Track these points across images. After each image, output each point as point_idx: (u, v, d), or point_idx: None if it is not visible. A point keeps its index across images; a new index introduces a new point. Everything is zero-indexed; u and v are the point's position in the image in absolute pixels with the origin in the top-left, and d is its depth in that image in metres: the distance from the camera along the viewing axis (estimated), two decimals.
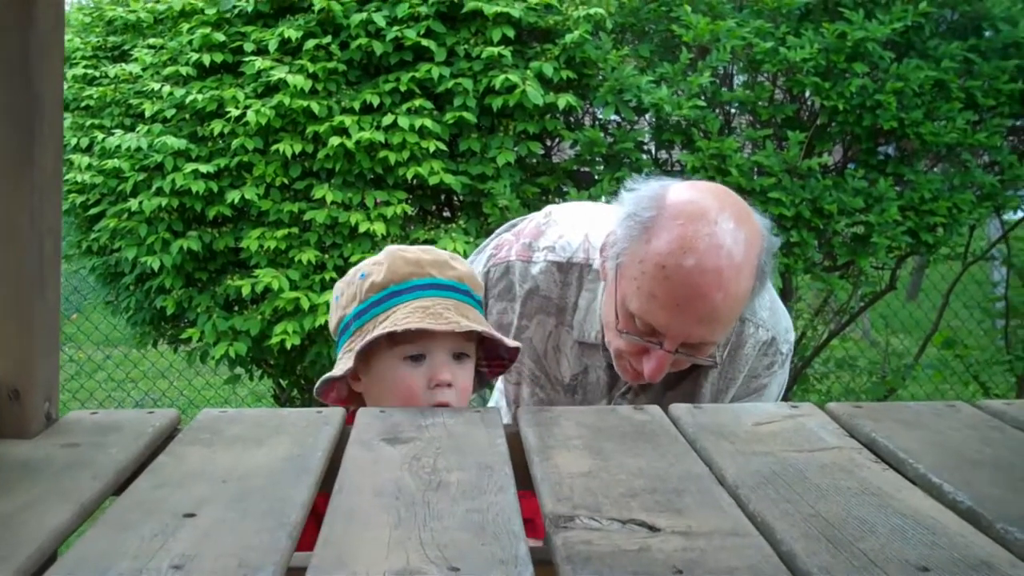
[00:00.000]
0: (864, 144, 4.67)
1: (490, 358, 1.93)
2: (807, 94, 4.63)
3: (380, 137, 4.29)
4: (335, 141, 4.28)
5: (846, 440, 1.48)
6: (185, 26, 4.72)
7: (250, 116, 4.35)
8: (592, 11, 4.50)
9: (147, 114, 4.59)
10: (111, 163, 4.53)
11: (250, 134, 4.41)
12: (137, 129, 4.61)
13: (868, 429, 1.50)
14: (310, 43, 4.43)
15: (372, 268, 1.85)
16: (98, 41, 5.22)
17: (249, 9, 4.60)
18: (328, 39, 4.47)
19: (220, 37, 4.58)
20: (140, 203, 4.43)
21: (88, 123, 4.83)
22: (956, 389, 6.70)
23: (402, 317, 1.75)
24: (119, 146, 4.51)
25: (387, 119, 4.33)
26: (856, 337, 6.87)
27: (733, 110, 4.83)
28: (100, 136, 4.67)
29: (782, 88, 4.72)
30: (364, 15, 4.41)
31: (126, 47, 5.09)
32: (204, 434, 1.50)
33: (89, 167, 4.61)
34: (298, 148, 4.38)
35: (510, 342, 1.85)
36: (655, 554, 1.08)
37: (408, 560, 1.05)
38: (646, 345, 1.85)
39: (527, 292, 2.09)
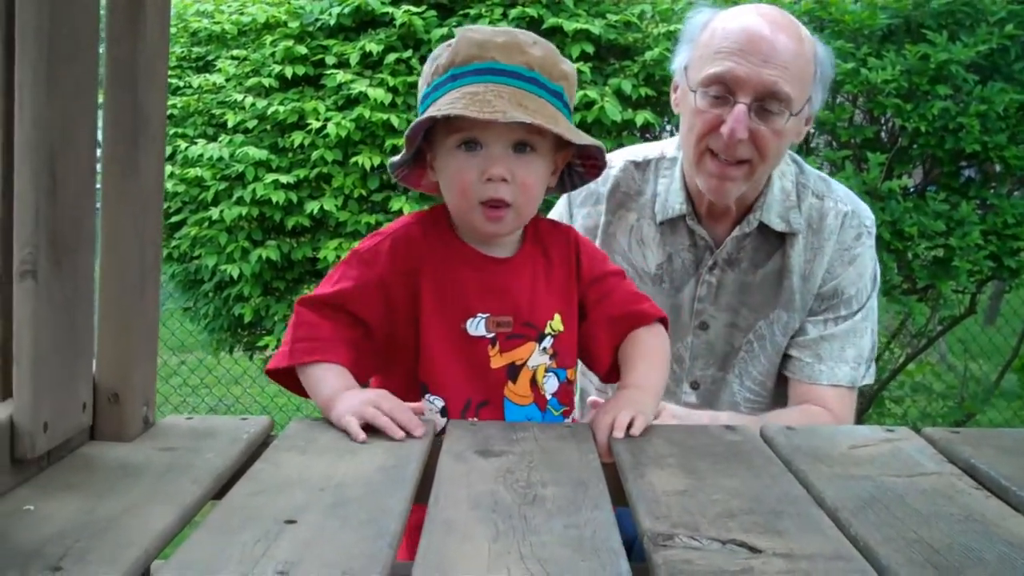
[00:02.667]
0: (946, 167, 4.59)
1: (584, 157, 1.78)
2: (888, 116, 4.57)
3: None
4: None
5: (945, 466, 1.46)
6: (268, 38, 4.78)
7: (330, 128, 4.40)
8: (672, 28, 4.50)
9: (229, 124, 4.67)
10: (193, 172, 4.61)
11: (330, 146, 4.46)
12: (219, 139, 4.69)
13: (967, 455, 1.48)
14: (391, 57, 4.48)
15: (443, 49, 1.70)
16: (182, 51, 5.31)
17: (331, 23, 4.65)
18: (408, 53, 4.52)
19: (302, 50, 4.64)
20: (221, 212, 4.50)
21: (172, 132, 4.91)
22: None
23: (447, 103, 1.59)
24: (201, 155, 4.59)
25: None
26: (933, 361, 6.76)
27: (812, 130, 4.77)
28: (183, 145, 4.75)
29: (862, 109, 4.67)
30: (444, 30, 4.44)
31: (210, 58, 5.18)
32: (298, 442, 1.52)
33: (172, 176, 4.70)
34: (377, 160, 4.42)
35: (578, 137, 1.66)
36: (757, 575, 1.07)
37: (509, 573, 1.05)
38: (722, 113, 2.02)
39: (609, 191, 2.26)
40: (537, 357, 1.74)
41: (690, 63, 2.11)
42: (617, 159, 2.28)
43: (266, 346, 4.63)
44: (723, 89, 2.02)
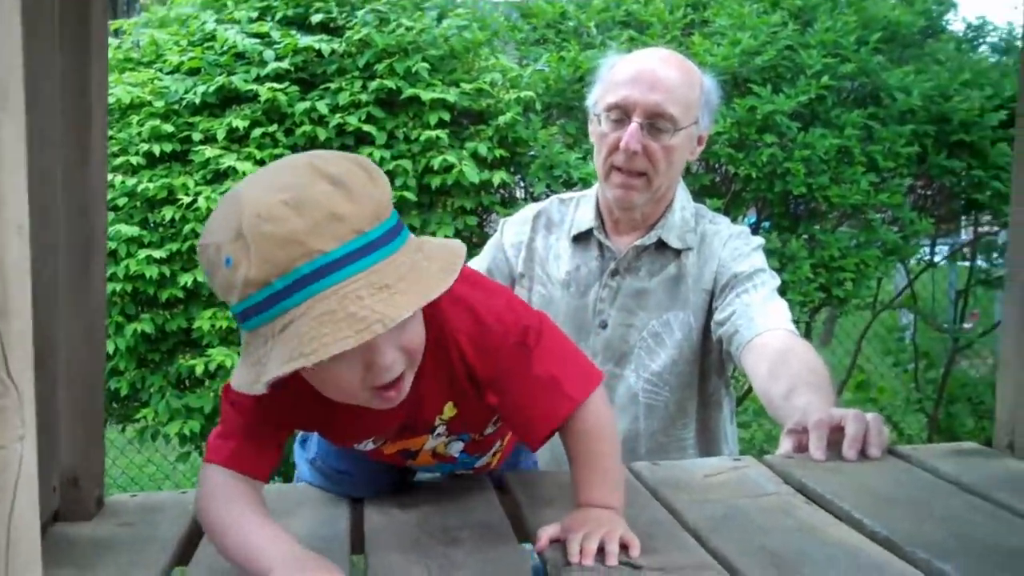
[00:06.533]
0: (776, 208, 5.00)
1: None
2: (722, 164, 4.95)
3: None
4: None
5: (783, 487, 1.77)
6: (134, 118, 4.90)
7: (200, 202, 4.53)
8: (522, 94, 4.81)
9: None
10: None
11: (201, 219, 4.59)
12: None
13: (799, 476, 1.79)
14: (257, 131, 4.66)
15: (236, 253, 1.28)
16: None
17: (196, 101, 4.81)
18: (274, 127, 4.70)
19: (169, 128, 4.77)
20: None
21: None
22: None
23: (307, 338, 1.24)
24: None
25: None
26: None
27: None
28: None
29: (699, 159, 5.06)
30: (308, 104, 4.66)
31: None
32: None
33: None
34: None
35: (443, 287, 1.31)
36: None
37: None
38: (621, 134, 2.41)
39: (534, 216, 2.72)
40: (431, 442, 1.71)
41: (598, 97, 2.53)
42: (550, 199, 2.77)
43: (143, 418, 4.72)
44: (620, 113, 2.43)
